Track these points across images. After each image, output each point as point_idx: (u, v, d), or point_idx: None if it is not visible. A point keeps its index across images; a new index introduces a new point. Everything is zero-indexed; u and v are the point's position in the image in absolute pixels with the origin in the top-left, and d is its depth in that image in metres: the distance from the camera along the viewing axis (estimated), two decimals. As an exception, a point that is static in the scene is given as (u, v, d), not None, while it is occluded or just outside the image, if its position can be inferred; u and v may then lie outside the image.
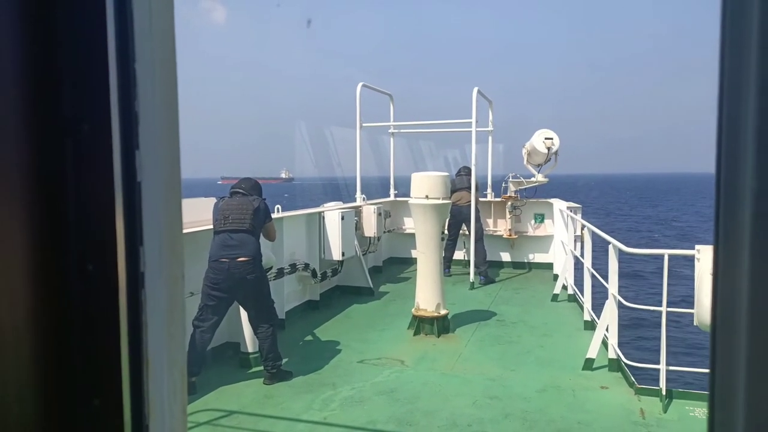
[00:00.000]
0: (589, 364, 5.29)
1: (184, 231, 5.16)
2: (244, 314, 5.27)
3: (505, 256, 10.57)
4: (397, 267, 10.44)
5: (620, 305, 5.17)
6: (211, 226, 5.07)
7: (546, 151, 9.46)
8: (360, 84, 9.92)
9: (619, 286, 5.21)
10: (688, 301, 4.68)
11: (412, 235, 7.47)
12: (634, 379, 4.87)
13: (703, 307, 4.33)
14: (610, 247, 5.21)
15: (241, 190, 5.18)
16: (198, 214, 5.55)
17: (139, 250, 0.58)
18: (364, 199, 9.70)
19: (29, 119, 0.55)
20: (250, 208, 5.01)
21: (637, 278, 17.90)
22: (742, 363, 0.55)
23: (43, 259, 0.57)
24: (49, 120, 0.56)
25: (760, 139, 0.54)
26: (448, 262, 9.49)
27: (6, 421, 0.53)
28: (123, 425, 0.56)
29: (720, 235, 0.58)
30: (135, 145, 0.57)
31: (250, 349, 5.48)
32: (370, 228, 8.90)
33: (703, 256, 4.44)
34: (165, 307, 0.61)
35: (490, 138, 10.87)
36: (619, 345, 5.25)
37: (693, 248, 4.41)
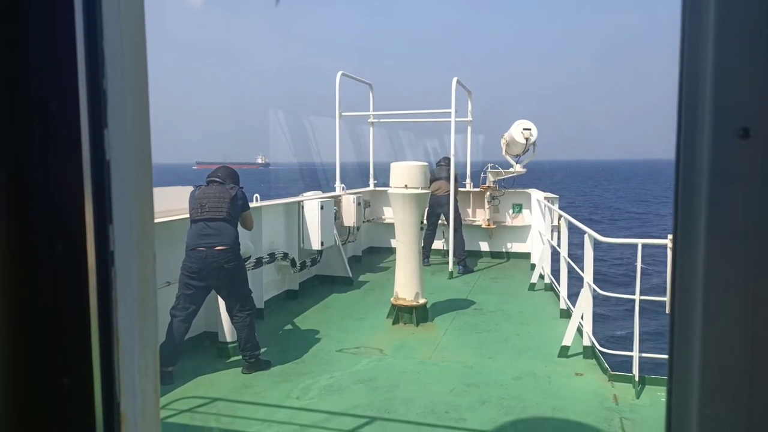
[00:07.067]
0: (564, 351, 5.38)
1: (160, 220, 5.12)
2: (221, 303, 5.24)
3: (484, 246, 10.66)
4: (376, 256, 10.47)
5: (595, 294, 5.26)
6: (188, 215, 5.02)
7: (524, 141, 9.54)
8: (339, 73, 9.86)
9: (595, 275, 5.30)
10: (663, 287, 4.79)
11: (392, 225, 7.49)
12: (607, 366, 4.97)
13: (674, 295, 4.42)
14: (586, 237, 5.30)
15: (217, 179, 5.13)
16: (174, 203, 5.49)
17: (109, 229, 0.57)
18: (343, 189, 9.68)
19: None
20: (227, 196, 4.97)
21: (614, 266, 18.21)
22: (697, 345, 0.57)
23: (11, 239, 0.56)
24: (15, 99, 0.55)
25: (716, 127, 0.55)
26: (426, 252, 9.54)
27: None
28: (94, 404, 0.56)
29: (678, 221, 0.59)
30: (104, 124, 0.56)
31: (228, 339, 5.46)
32: (349, 217, 8.90)
33: (676, 246, 4.53)
34: (136, 287, 0.61)
35: (469, 128, 10.92)
36: (594, 333, 5.35)
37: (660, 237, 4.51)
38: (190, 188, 5.23)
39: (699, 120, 0.57)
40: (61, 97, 0.55)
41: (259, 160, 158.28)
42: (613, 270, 17.58)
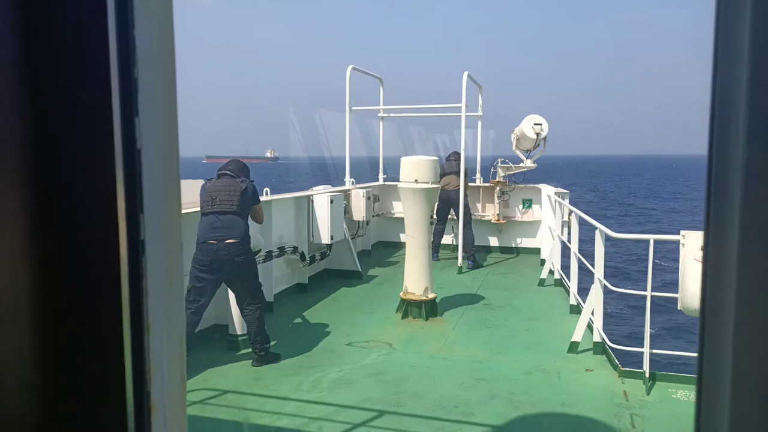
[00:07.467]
0: (574, 347, 5.36)
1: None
2: (232, 296, 5.27)
3: (493, 241, 10.64)
4: (385, 251, 10.47)
5: (606, 289, 5.24)
6: (198, 208, 5.04)
7: (535, 136, 9.50)
8: (350, 67, 9.85)
9: (606, 270, 5.28)
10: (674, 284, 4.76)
11: (401, 220, 7.49)
12: (618, 362, 4.95)
13: (686, 292, 4.40)
14: (597, 232, 5.27)
15: (228, 172, 5.15)
16: (184, 196, 5.50)
17: (140, 218, 0.58)
18: (353, 183, 9.69)
19: (25, 86, 0.55)
20: (237, 189, 4.99)
21: (625, 262, 18.11)
22: (729, 347, 0.56)
23: (43, 228, 0.56)
24: (47, 87, 0.56)
25: (751, 121, 0.55)
26: (436, 247, 9.53)
27: (6, 387, 0.54)
28: (125, 391, 0.57)
29: (711, 218, 0.59)
30: (134, 112, 0.57)
31: (238, 332, 5.49)
32: (359, 212, 8.91)
33: (688, 242, 4.51)
34: (164, 275, 0.61)
35: (479, 123, 10.88)
36: (604, 329, 5.33)
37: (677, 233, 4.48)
38: (201, 181, 5.25)
39: (733, 115, 0.56)
40: (93, 85, 0.55)
41: (269, 154, 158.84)
42: (627, 266, 17.49)
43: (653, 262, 4.71)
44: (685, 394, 4.45)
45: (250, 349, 5.17)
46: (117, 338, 0.56)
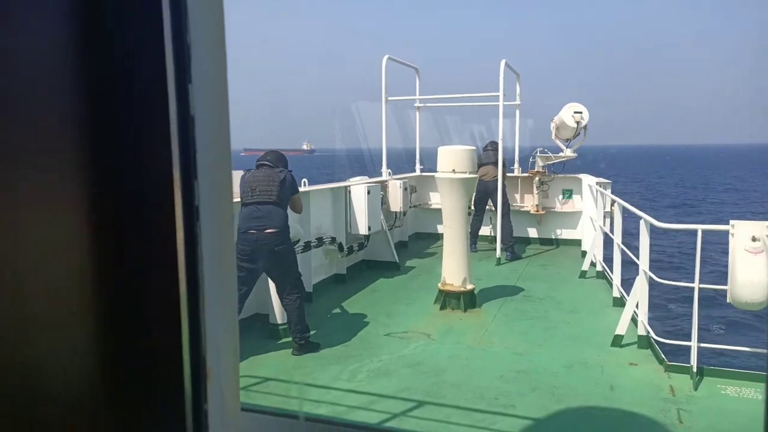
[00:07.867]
0: (617, 340, 5.24)
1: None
2: (272, 286, 5.34)
3: (532, 232, 10.47)
4: (422, 242, 10.43)
5: (651, 282, 5.09)
6: (238, 199, 5.13)
7: (575, 125, 9.27)
8: (386, 57, 9.81)
9: (651, 262, 5.13)
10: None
11: (438, 211, 7.44)
12: (664, 356, 4.81)
13: (736, 284, 4.23)
14: (642, 222, 5.12)
15: (267, 163, 5.21)
16: None
17: (194, 184, 0.58)
18: (390, 174, 9.68)
19: (82, 53, 0.55)
20: (276, 179, 5.05)
21: (670, 254, 17.59)
22: None
23: (100, 195, 0.57)
24: (103, 55, 0.56)
25: None
26: (474, 238, 9.43)
27: (65, 352, 0.54)
28: (182, 358, 0.57)
29: None
30: (188, 79, 0.56)
31: (278, 321, 5.56)
32: (396, 203, 8.89)
33: (738, 232, 4.33)
34: (218, 245, 0.61)
35: (517, 112, 10.69)
36: (649, 322, 5.19)
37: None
38: (240, 173, 5.34)
39: None
40: (148, 51, 0.55)
41: (305, 147, 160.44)
42: (674, 259, 16.98)
43: (702, 253, 4.55)
44: (736, 390, 4.29)
45: (290, 338, 5.24)
46: (173, 303, 0.56)
